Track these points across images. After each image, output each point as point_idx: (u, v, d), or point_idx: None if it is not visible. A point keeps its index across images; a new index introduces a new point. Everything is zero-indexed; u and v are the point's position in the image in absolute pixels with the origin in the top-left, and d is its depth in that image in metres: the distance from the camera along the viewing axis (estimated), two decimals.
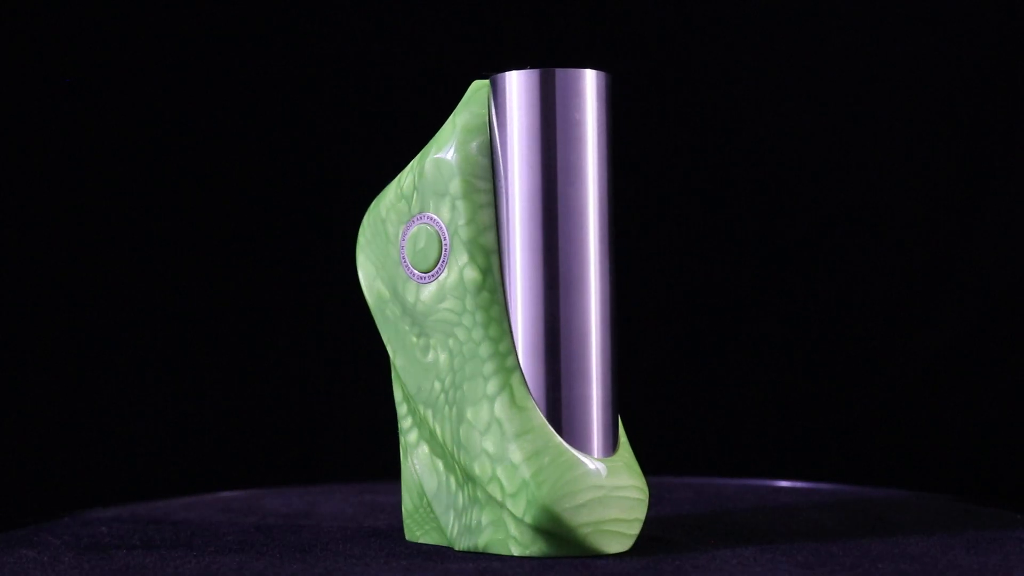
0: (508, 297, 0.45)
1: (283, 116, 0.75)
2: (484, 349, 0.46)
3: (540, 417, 0.45)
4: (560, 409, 0.45)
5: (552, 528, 0.44)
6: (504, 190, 0.46)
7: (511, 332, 0.45)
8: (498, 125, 0.46)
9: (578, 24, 0.76)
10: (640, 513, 0.45)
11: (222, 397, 0.75)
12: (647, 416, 0.76)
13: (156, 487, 0.68)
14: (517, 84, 0.45)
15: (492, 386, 0.45)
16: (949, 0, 0.74)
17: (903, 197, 0.75)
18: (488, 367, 0.45)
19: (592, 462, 0.45)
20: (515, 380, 0.45)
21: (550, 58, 0.48)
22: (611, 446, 0.45)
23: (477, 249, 0.46)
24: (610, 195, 0.46)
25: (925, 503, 0.56)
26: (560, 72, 0.45)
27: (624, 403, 0.50)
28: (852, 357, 0.75)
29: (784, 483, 0.62)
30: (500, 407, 0.45)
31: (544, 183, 0.45)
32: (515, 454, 0.45)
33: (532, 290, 0.45)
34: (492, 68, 0.46)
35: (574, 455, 0.44)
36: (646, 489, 0.46)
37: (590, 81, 0.46)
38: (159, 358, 0.75)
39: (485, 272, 0.46)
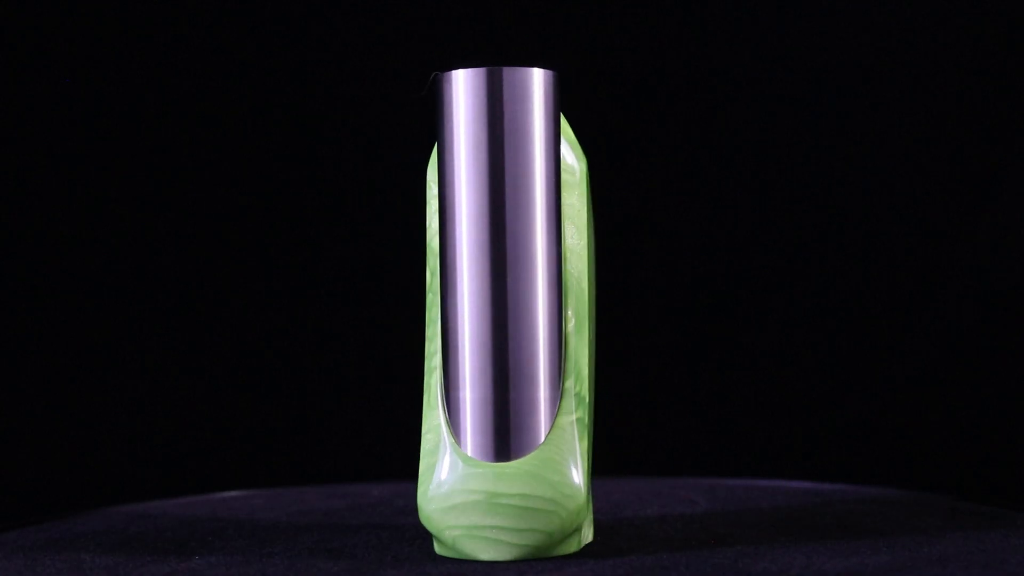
0: (456, 299, 0.45)
1: (280, 118, 0.75)
2: (426, 348, 0.47)
3: (442, 417, 0.45)
4: (457, 409, 0.45)
5: (427, 527, 0.45)
6: (450, 191, 0.45)
7: (442, 333, 0.46)
8: (444, 125, 0.46)
9: (578, 24, 0.76)
10: (542, 524, 0.44)
11: (222, 397, 0.75)
12: (647, 416, 0.76)
13: (156, 487, 0.68)
14: (463, 83, 0.45)
15: (424, 384, 0.46)
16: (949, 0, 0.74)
17: (903, 197, 0.75)
18: (426, 366, 0.46)
19: (482, 466, 0.44)
20: (433, 379, 0.46)
21: (547, 58, 0.48)
22: (518, 451, 0.44)
23: (430, 252, 0.47)
24: (557, 195, 0.46)
25: (925, 503, 0.56)
26: (507, 71, 0.45)
27: (624, 404, 0.50)
28: (852, 357, 0.75)
29: (783, 483, 0.62)
30: (424, 404, 0.46)
31: (490, 183, 0.45)
32: (421, 451, 0.45)
33: (478, 293, 0.45)
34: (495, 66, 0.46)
35: (462, 457, 0.44)
36: (563, 500, 0.44)
37: (537, 80, 0.45)
38: (158, 358, 0.75)
39: (433, 274, 0.47)
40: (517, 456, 0.44)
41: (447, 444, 0.45)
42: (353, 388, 0.76)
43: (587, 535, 0.47)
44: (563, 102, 0.48)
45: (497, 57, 0.48)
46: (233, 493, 0.62)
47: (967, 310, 0.74)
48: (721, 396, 0.76)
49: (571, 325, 0.46)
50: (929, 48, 0.74)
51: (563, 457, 0.45)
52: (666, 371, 0.76)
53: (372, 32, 0.76)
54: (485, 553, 0.44)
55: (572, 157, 0.47)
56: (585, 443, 0.45)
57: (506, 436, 0.44)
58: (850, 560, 0.44)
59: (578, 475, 0.45)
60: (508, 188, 0.45)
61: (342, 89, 0.75)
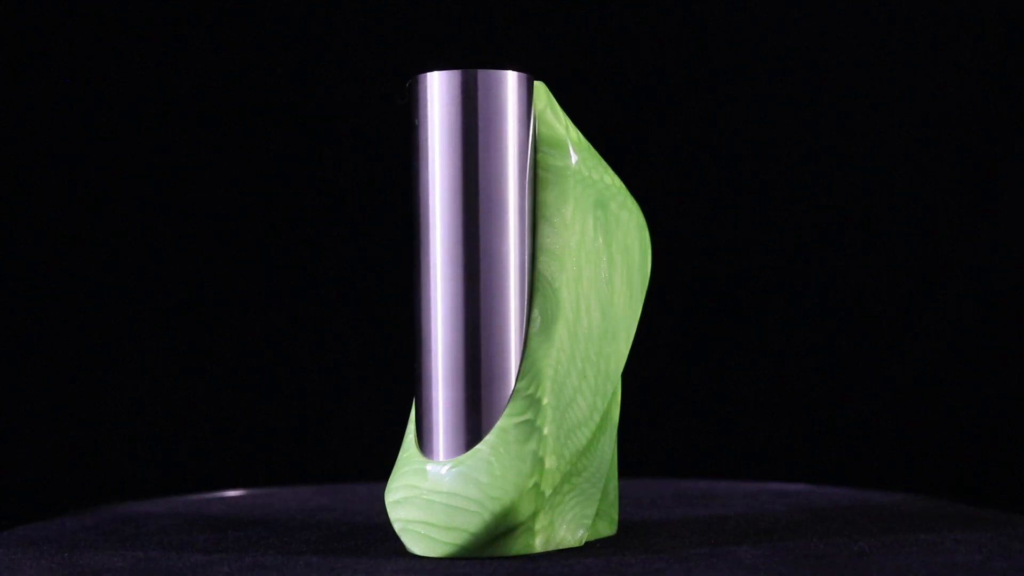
0: (423, 298, 0.46)
1: (280, 118, 0.75)
2: None
3: (413, 412, 0.47)
4: (423, 410, 0.46)
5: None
6: (423, 192, 0.46)
7: (412, 331, 0.46)
8: (420, 127, 0.46)
9: (578, 25, 0.76)
10: (466, 524, 0.44)
11: (222, 397, 0.75)
12: (647, 416, 0.76)
13: (156, 487, 0.68)
14: (437, 85, 0.45)
15: None
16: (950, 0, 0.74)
17: (903, 197, 0.75)
18: None
19: (426, 464, 0.45)
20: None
21: (547, 59, 0.48)
22: (458, 450, 0.45)
23: None
24: (531, 197, 0.46)
25: (924, 505, 0.56)
26: (482, 73, 0.45)
27: (624, 404, 0.50)
28: (852, 359, 0.75)
29: (783, 485, 0.62)
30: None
31: (463, 183, 0.45)
32: None
33: (451, 295, 0.45)
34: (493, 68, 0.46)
35: (414, 453, 0.46)
36: (488, 501, 0.44)
37: (511, 82, 0.46)
38: (158, 358, 0.75)
39: None
40: (455, 455, 0.45)
41: (411, 440, 0.46)
42: (353, 388, 0.76)
43: (565, 538, 0.46)
44: (564, 103, 0.48)
45: (497, 58, 0.48)
46: (233, 493, 0.62)
47: (967, 310, 0.74)
48: (721, 396, 0.76)
49: (536, 326, 0.46)
50: (929, 48, 0.74)
51: (499, 459, 0.44)
52: (666, 371, 0.76)
53: (372, 33, 0.76)
54: (416, 547, 0.45)
55: (565, 153, 0.47)
56: (532, 445, 0.44)
57: (451, 435, 0.45)
58: (851, 563, 0.44)
59: (515, 478, 0.44)
60: (481, 188, 0.45)
61: (342, 89, 0.75)
